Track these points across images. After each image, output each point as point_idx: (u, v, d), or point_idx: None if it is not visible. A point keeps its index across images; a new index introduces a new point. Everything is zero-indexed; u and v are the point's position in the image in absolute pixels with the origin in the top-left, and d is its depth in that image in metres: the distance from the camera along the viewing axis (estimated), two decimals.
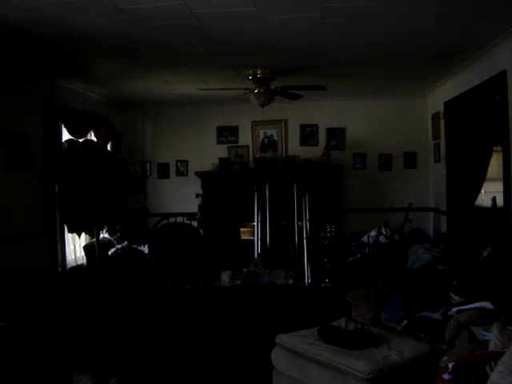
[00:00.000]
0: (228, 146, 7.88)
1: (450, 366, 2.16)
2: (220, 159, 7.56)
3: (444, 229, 6.49)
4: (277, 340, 3.36)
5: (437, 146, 6.82)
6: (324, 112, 7.61)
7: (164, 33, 4.05)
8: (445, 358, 2.56)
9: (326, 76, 5.69)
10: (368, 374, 2.74)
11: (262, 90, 5.67)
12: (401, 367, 2.86)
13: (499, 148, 5.07)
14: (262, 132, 7.84)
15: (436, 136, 6.85)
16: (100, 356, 4.36)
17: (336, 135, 7.65)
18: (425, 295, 3.71)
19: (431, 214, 7.35)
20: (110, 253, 6.33)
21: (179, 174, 8.01)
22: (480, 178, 5.65)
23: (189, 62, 5.11)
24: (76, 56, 4.79)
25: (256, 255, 6.70)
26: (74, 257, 6.25)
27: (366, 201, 7.54)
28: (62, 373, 4.03)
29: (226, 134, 7.92)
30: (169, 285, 5.38)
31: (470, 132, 5.76)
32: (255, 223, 7.00)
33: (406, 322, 3.58)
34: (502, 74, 4.46)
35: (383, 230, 6.37)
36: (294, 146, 7.73)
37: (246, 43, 4.45)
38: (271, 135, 7.82)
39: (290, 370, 3.20)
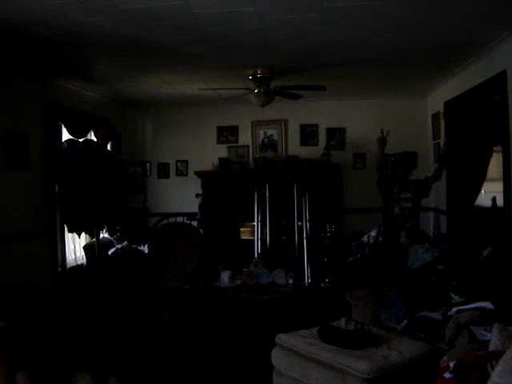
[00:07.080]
0: (228, 146, 7.87)
1: (452, 364, 2.15)
2: (220, 159, 7.55)
3: (444, 229, 6.48)
4: (277, 340, 3.35)
5: (437, 146, 6.81)
6: (324, 112, 7.61)
7: (164, 33, 4.04)
8: (445, 357, 2.56)
9: (325, 76, 5.69)
10: (368, 374, 2.73)
11: (262, 90, 5.67)
12: (401, 367, 2.86)
13: (499, 148, 5.07)
14: (261, 132, 7.83)
15: (436, 136, 6.84)
16: (100, 356, 4.36)
17: (336, 135, 7.64)
18: (425, 295, 3.71)
19: (431, 213, 7.34)
20: (109, 253, 6.32)
21: (179, 173, 8.00)
22: (480, 178, 5.65)
23: (189, 62, 5.11)
24: (76, 56, 4.78)
25: (256, 255, 6.69)
26: (74, 257, 6.25)
27: (366, 201, 7.50)
28: (61, 373, 4.03)
29: (226, 133, 7.91)
30: (169, 285, 5.38)
31: (470, 132, 5.75)
32: (255, 223, 7.00)
33: (406, 321, 3.57)
34: (502, 74, 4.46)
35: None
36: (294, 146, 7.72)
37: (246, 43, 4.44)
38: (271, 135, 7.81)
39: (290, 370, 3.20)
